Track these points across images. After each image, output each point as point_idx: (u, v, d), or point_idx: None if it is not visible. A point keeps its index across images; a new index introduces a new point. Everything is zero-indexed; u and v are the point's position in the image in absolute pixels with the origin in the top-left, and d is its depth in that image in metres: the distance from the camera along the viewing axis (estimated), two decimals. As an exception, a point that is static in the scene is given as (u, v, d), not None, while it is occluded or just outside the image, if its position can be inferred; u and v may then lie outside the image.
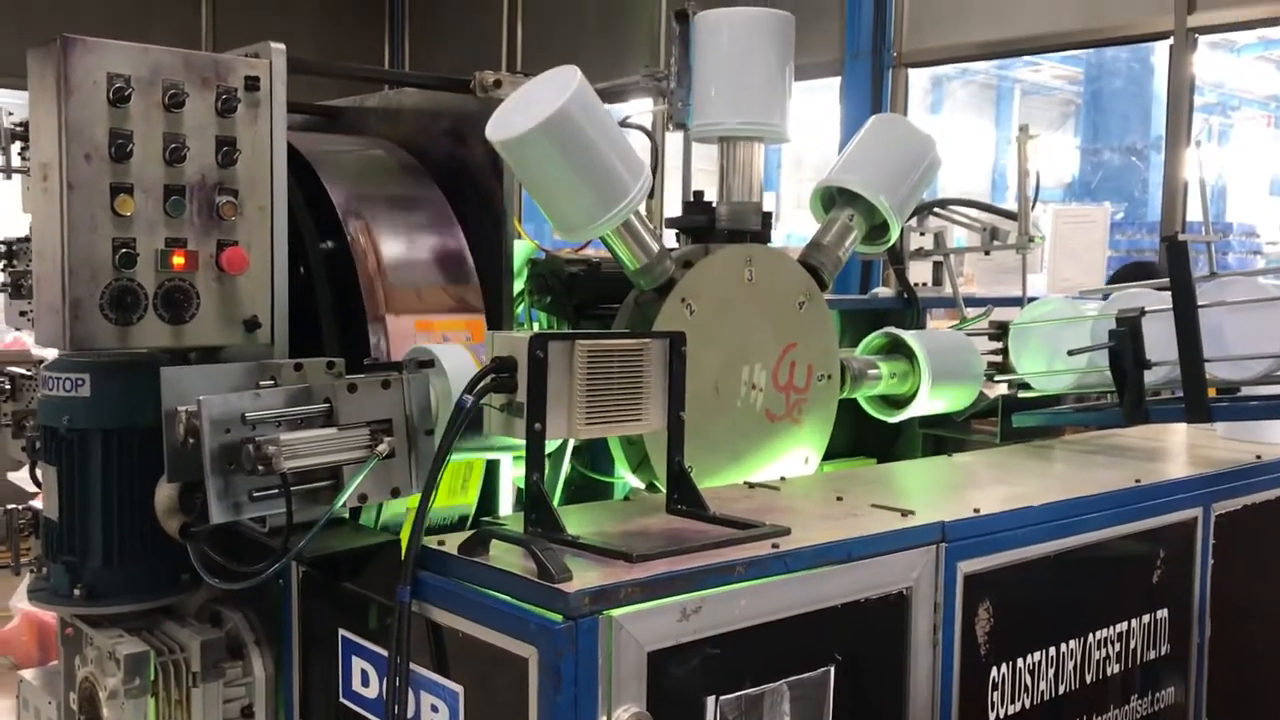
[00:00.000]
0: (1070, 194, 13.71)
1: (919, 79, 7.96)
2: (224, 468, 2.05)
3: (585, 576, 1.90)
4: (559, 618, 1.83)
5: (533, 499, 2.13)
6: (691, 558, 2.04)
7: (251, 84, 2.37)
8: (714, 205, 2.96)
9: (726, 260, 2.84)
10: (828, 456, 3.24)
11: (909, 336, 3.27)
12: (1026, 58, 23.43)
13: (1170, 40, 5.85)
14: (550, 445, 2.76)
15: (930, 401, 3.27)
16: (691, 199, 2.98)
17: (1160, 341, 3.01)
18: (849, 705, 2.21)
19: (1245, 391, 3.18)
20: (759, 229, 2.95)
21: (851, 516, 2.43)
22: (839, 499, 2.59)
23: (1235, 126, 24.49)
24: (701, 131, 2.92)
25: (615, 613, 1.86)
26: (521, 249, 2.95)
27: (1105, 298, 3.32)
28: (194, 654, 2.32)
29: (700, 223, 2.93)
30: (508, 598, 1.93)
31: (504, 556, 2.02)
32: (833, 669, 2.18)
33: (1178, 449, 3.42)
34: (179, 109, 2.28)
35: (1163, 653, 2.92)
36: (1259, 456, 3.24)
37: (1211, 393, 3.02)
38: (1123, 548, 2.79)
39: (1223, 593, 3.06)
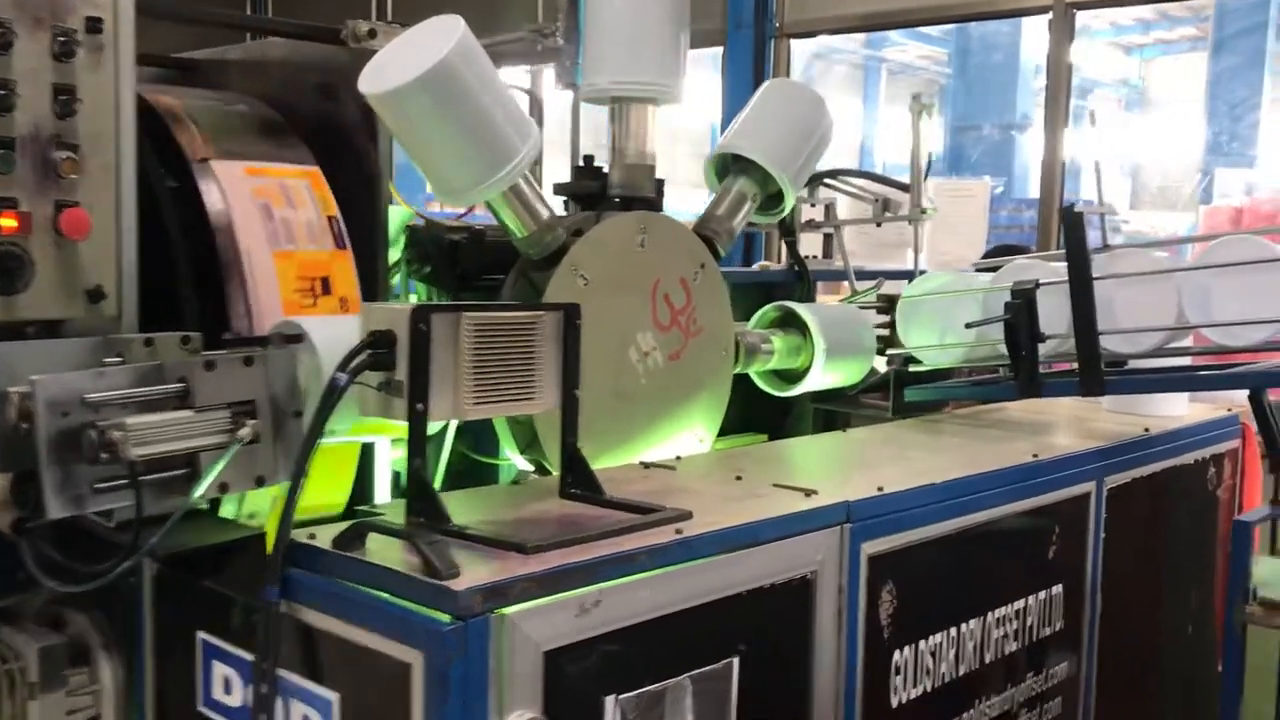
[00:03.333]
0: (940, 172, 13.89)
1: (801, 50, 7.88)
2: (62, 456, 1.79)
3: (475, 572, 1.72)
4: (447, 618, 1.64)
5: (415, 487, 1.94)
6: (590, 548, 1.87)
7: (93, 25, 2.09)
8: (605, 171, 2.78)
9: (619, 228, 2.67)
10: (725, 433, 3.10)
11: (802, 309, 3.15)
12: (894, 38, 23.81)
13: (1049, 15, 5.88)
14: (432, 427, 2.57)
15: (824, 376, 3.16)
16: (582, 164, 2.80)
17: (1052, 315, 2.95)
18: (753, 696, 2.07)
19: (1134, 365, 3.16)
20: (652, 196, 2.79)
21: (753, 497, 2.29)
22: (738, 479, 2.45)
23: (1090, 108, 25.34)
24: (592, 92, 2.73)
25: (509, 611, 1.69)
26: (398, 215, 2.72)
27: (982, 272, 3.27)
28: (31, 662, 2.06)
29: (591, 189, 2.75)
30: (389, 597, 1.74)
31: (384, 551, 1.82)
32: (736, 660, 2.04)
33: (1066, 423, 3.39)
34: (6, 51, 2.00)
35: (1057, 629, 2.87)
36: (1147, 429, 3.22)
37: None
38: (1020, 524, 2.72)
39: (1113, 566, 3.02)
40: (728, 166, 3.03)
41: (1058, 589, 2.86)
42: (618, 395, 2.67)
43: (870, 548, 2.30)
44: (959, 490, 2.53)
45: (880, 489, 2.37)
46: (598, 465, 2.57)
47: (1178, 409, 3.47)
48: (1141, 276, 2.93)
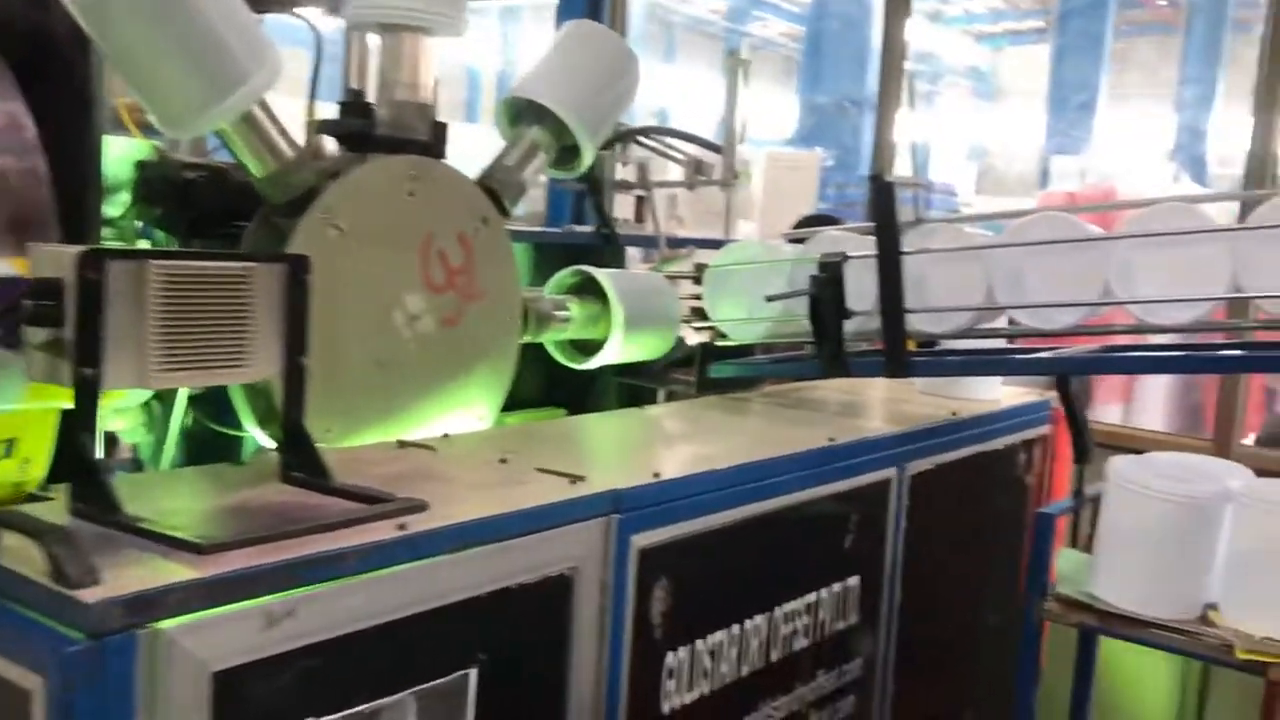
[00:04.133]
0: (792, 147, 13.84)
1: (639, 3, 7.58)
2: None
3: (124, 578, 1.40)
4: (79, 635, 1.33)
5: (81, 466, 1.60)
6: (286, 546, 1.56)
7: None
8: (374, 108, 2.45)
9: (383, 173, 2.35)
10: (513, 407, 2.83)
11: (601, 275, 2.89)
12: (756, 13, 23.68)
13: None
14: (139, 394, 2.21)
15: (623, 348, 2.91)
16: (347, 99, 2.46)
17: (863, 291, 2.76)
18: (495, 711, 1.81)
19: (944, 345, 2.99)
20: (427, 139, 2.47)
21: (512, 484, 2.02)
22: (503, 461, 2.17)
23: (941, 94, 25.80)
24: (358, 17, 2.40)
25: (166, 625, 1.38)
26: (129, 147, 2.35)
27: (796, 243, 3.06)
28: None
29: (356, 127, 2.41)
30: (18, 608, 1.41)
31: (24, 549, 1.49)
32: (474, 671, 1.77)
33: (875, 404, 3.21)
34: None
35: (853, 622, 2.69)
36: (954, 413, 3.06)
37: (912, 346, 2.80)
38: (814, 512, 2.52)
39: (915, 554, 2.86)
40: (521, 114, 2.74)
41: (854, 580, 2.68)
42: (380, 364, 2.36)
43: (641, 540, 2.05)
44: (745, 476, 2.30)
45: (657, 475, 2.12)
46: (353, 443, 2.26)
47: (992, 392, 3.34)
48: (952, 254, 2.75)
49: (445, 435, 2.42)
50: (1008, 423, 3.29)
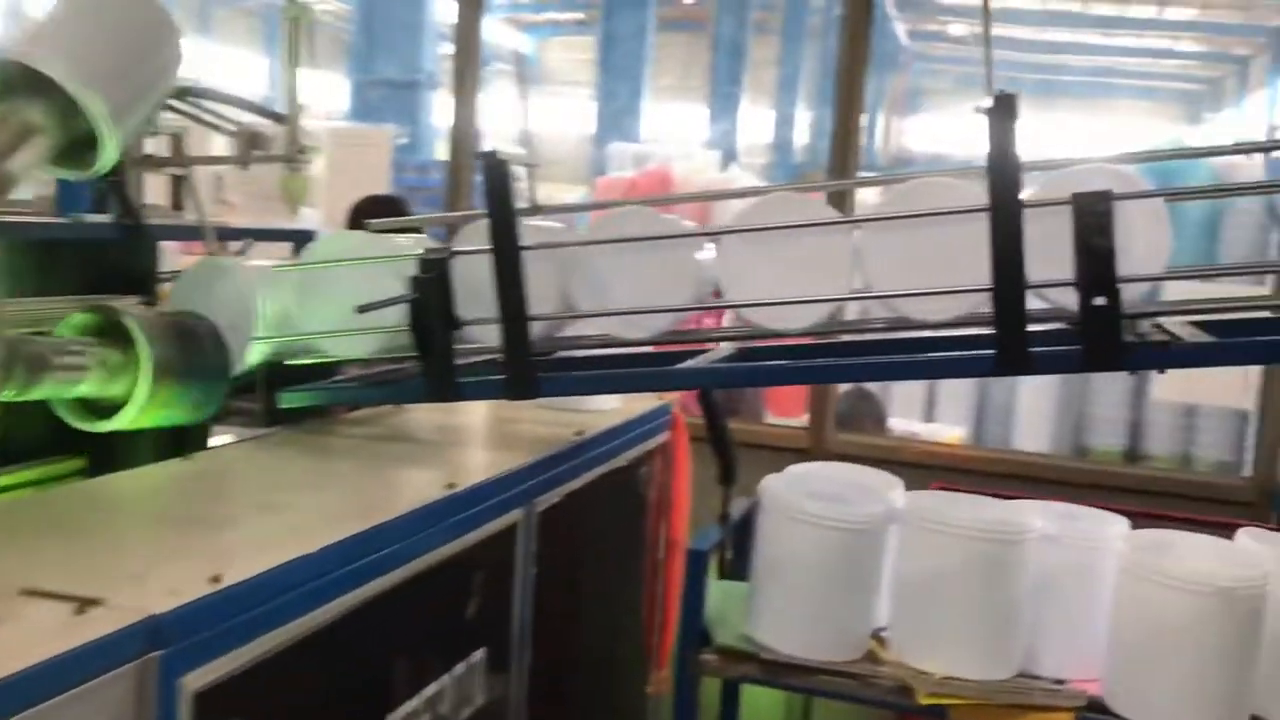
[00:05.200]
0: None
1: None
2: None
3: None
4: None
5: None
6: None
7: None
8: None
9: None
10: (8, 459, 2.00)
11: (131, 321, 2.04)
12: (299, -13, 22.29)
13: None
14: None
15: (157, 412, 2.09)
16: None
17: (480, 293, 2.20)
18: None
19: (563, 355, 2.50)
20: None
21: (-23, 623, 1.27)
22: (-31, 578, 1.40)
23: (488, 80, 25.75)
24: None
25: None
26: None
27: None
28: None
29: None
30: None
31: None
32: None
33: (485, 427, 2.67)
34: None
35: (480, 705, 2.14)
36: (580, 432, 2.58)
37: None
38: (431, 583, 1.94)
39: (545, 603, 2.36)
40: (14, 83, 1.89)
41: (479, 655, 2.12)
42: None
43: (197, 680, 1.37)
44: (344, 557, 1.67)
45: (216, 579, 1.44)
46: None
47: (609, 401, 2.90)
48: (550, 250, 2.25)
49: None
50: (633, 434, 2.87)
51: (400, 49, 11.43)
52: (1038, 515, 2.21)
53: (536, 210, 2.33)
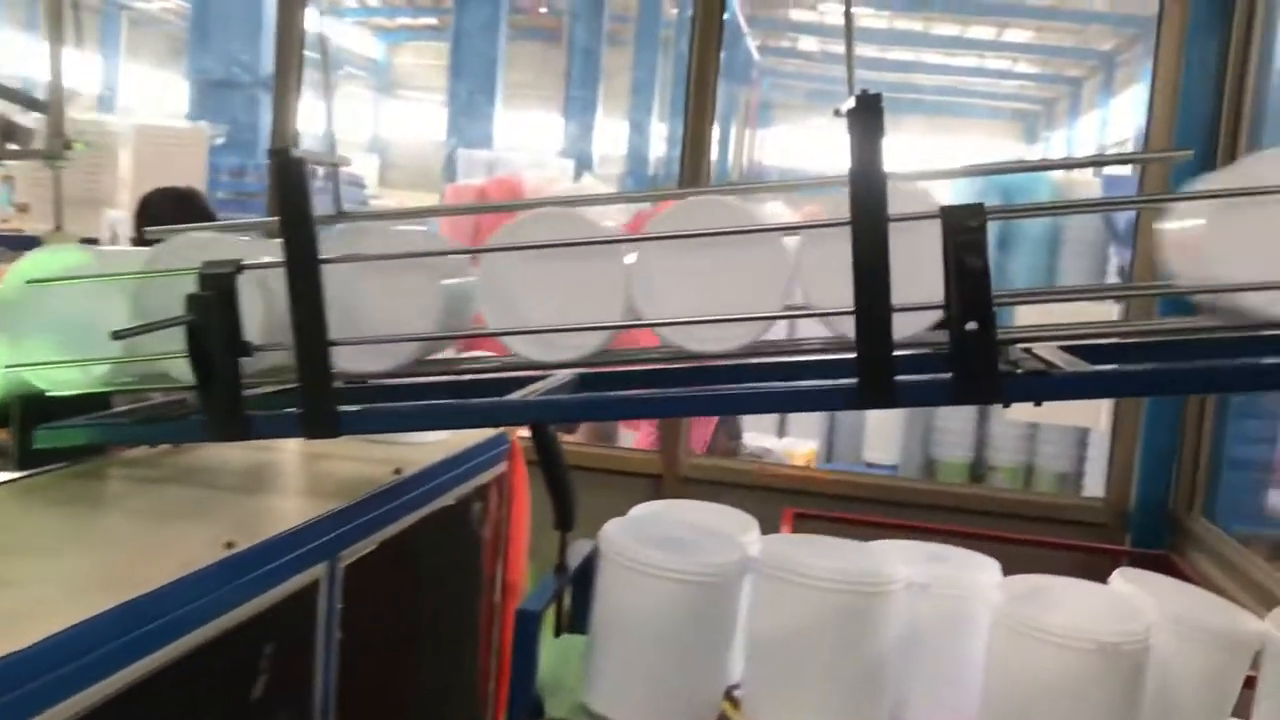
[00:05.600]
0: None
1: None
2: None
3: None
4: None
5: None
6: None
7: None
8: None
9: None
10: None
11: None
12: (133, -19, 21.17)
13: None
14: None
15: None
16: None
17: (273, 315, 1.88)
18: None
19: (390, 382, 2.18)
20: None
21: None
22: None
23: (341, 85, 24.97)
24: None
25: None
26: None
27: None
28: None
29: None
30: None
31: None
32: None
33: (290, 465, 2.33)
34: None
35: (270, 799, 1.81)
36: (399, 470, 2.27)
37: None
38: (206, 660, 1.61)
39: (356, 670, 2.05)
40: None
41: (271, 739, 1.80)
42: None
43: None
44: (99, 636, 1.34)
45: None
46: None
47: (435, 433, 2.59)
48: (401, 262, 1.95)
49: None
50: (464, 468, 2.57)
51: (237, 44, 10.85)
52: (904, 559, 2.00)
53: (341, 217, 2.01)
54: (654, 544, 1.92)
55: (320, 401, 1.87)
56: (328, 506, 1.97)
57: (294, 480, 2.22)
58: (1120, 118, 19.27)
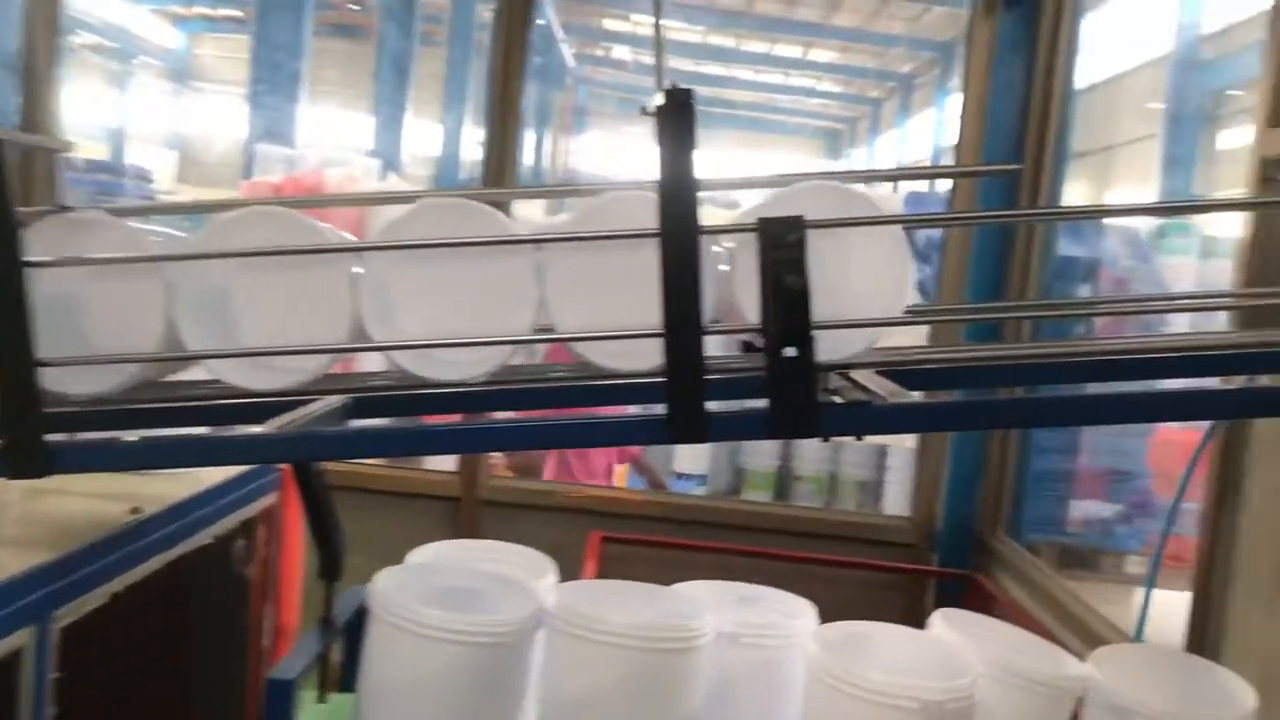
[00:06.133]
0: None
1: None
2: None
3: None
4: None
5: None
6: None
7: None
8: None
9: None
10: None
11: None
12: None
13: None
14: None
15: None
16: None
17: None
18: None
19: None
20: None
21: None
22: None
23: (135, 75, 23.52)
24: None
25: None
26: None
27: None
28: None
29: None
30: None
31: None
32: None
33: (5, 506, 1.96)
34: None
35: None
36: (137, 510, 1.93)
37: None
38: None
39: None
40: None
41: None
42: None
43: None
44: None
45: None
46: None
47: (190, 461, 2.24)
48: (125, 265, 1.62)
49: None
50: (223, 502, 2.25)
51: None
52: (713, 603, 1.81)
53: (61, 211, 1.67)
54: (433, 598, 1.66)
55: (23, 433, 1.53)
56: (35, 558, 1.63)
57: (3, 526, 1.86)
58: (917, 137, 20.03)
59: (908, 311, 1.66)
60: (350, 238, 1.71)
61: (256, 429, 1.61)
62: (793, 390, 1.52)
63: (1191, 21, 11.34)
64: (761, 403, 1.54)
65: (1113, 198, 13.19)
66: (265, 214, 1.56)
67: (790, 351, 1.50)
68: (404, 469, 3.86)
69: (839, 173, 1.73)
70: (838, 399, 1.59)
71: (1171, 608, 2.50)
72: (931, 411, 1.59)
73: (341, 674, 2.00)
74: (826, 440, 1.61)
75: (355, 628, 1.89)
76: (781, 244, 1.50)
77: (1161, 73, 11.51)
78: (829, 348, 1.54)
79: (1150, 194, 11.42)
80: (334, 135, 17.31)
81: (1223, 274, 4.96)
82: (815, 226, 1.52)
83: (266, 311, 1.55)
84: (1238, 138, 11.99)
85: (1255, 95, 2.25)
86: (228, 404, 1.78)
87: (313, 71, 15.19)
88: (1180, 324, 3.69)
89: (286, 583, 2.59)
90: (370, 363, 1.95)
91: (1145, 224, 5.09)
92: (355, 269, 1.55)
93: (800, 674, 1.74)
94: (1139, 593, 3.61)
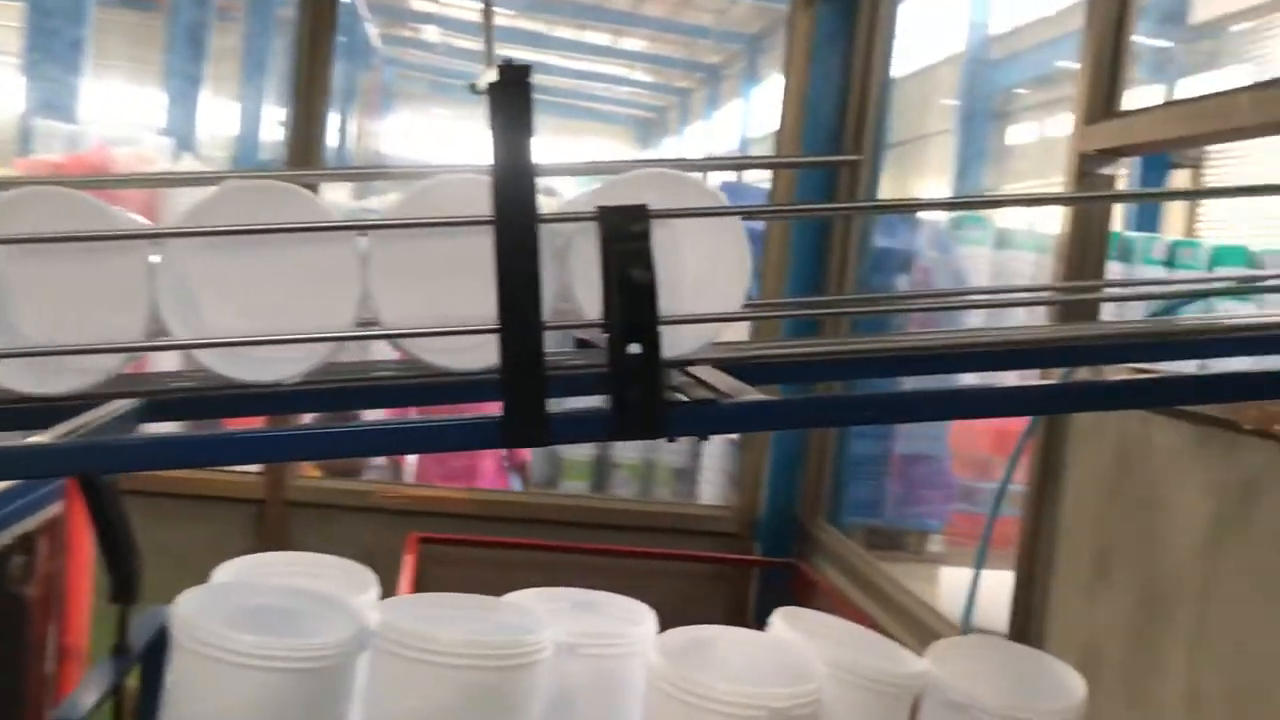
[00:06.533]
0: None
1: None
2: None
3: None
4: None
5: None
6: None
7: None
8: None
9: None
10: None
11: None
12: None
13: None
14: None
15: None
16: None
17: None
18: None
19: None
20: None
21: None
22: None
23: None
24: None
25: None
26: None
27: None
28: None
29: None
30: None
31: None
32: None
33: None
34: None
35: None
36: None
37: None
38: None
39: None
40: None
41: None
42: None
43: None
44: None
45: None
46: None
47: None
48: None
49: None
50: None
51: None
52: (547, 612, 1.71)
53: None
54: (243, 621, 1.49)
55: None
56: None
57: None
58: (724, 128, 20.38)
59: (748, 306, 1.61)
60: (145, 222, 1.52)
61: (33, 439, 1.40)
62: (637, 389, 1.43)
63: (980, 21, 11.89)
64: (599, 400, 1.46)
65: (920, 189, 13.74)
66: (46, 194, 1.36)
67: (635, 348, 1.41)
68: (203, 471, 3.60)
69: (678, 160, 1.65)
70: (683, 397, 1.51)
71: (989, 588, 2.56)
72: (784, 409, 1.53)
73: (138, 707, 1.80)
74: (673, 441, 1.53)
75: (155, 653, 1.69)
76: (624, 235, 1.41)
77: (957, 69, 12.04)
78: (670, 343, 1.46)
79: (945, 187, 11.94)
80: (121, 112, 16.27)
81: (1016, 264, 5.18)
82: (660, 216, 1.43)
83: (49, 306, 1.35)
84: (1025, 133, 12.67)
85: (1041, 94, 2.31)
86: (6, 408, 1.57)
87: (98, 43, 14.21)
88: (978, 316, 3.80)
89: (74, 601, 2.35)
90: (167, 361, 1.77)
91: (944, 216, 5.25)
92: (152, 258, 1.37)
93: (642, 683, 1.66)
94: (944, 571, 3.72)
